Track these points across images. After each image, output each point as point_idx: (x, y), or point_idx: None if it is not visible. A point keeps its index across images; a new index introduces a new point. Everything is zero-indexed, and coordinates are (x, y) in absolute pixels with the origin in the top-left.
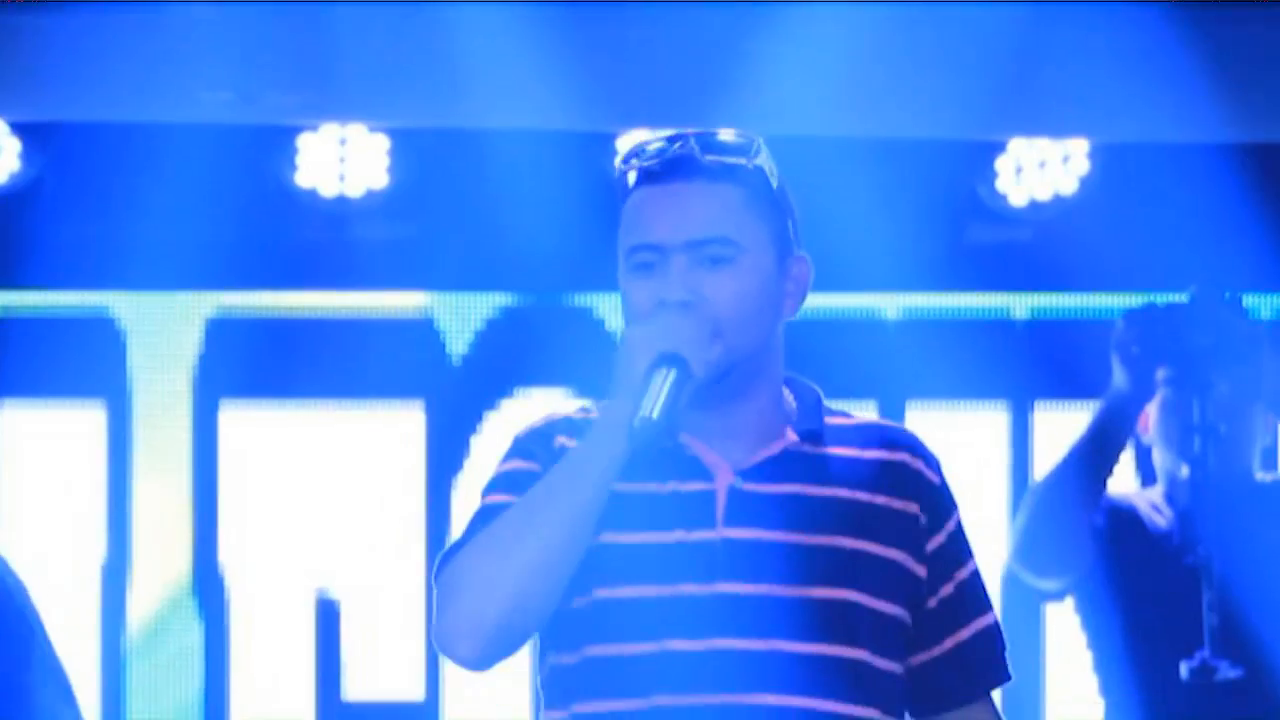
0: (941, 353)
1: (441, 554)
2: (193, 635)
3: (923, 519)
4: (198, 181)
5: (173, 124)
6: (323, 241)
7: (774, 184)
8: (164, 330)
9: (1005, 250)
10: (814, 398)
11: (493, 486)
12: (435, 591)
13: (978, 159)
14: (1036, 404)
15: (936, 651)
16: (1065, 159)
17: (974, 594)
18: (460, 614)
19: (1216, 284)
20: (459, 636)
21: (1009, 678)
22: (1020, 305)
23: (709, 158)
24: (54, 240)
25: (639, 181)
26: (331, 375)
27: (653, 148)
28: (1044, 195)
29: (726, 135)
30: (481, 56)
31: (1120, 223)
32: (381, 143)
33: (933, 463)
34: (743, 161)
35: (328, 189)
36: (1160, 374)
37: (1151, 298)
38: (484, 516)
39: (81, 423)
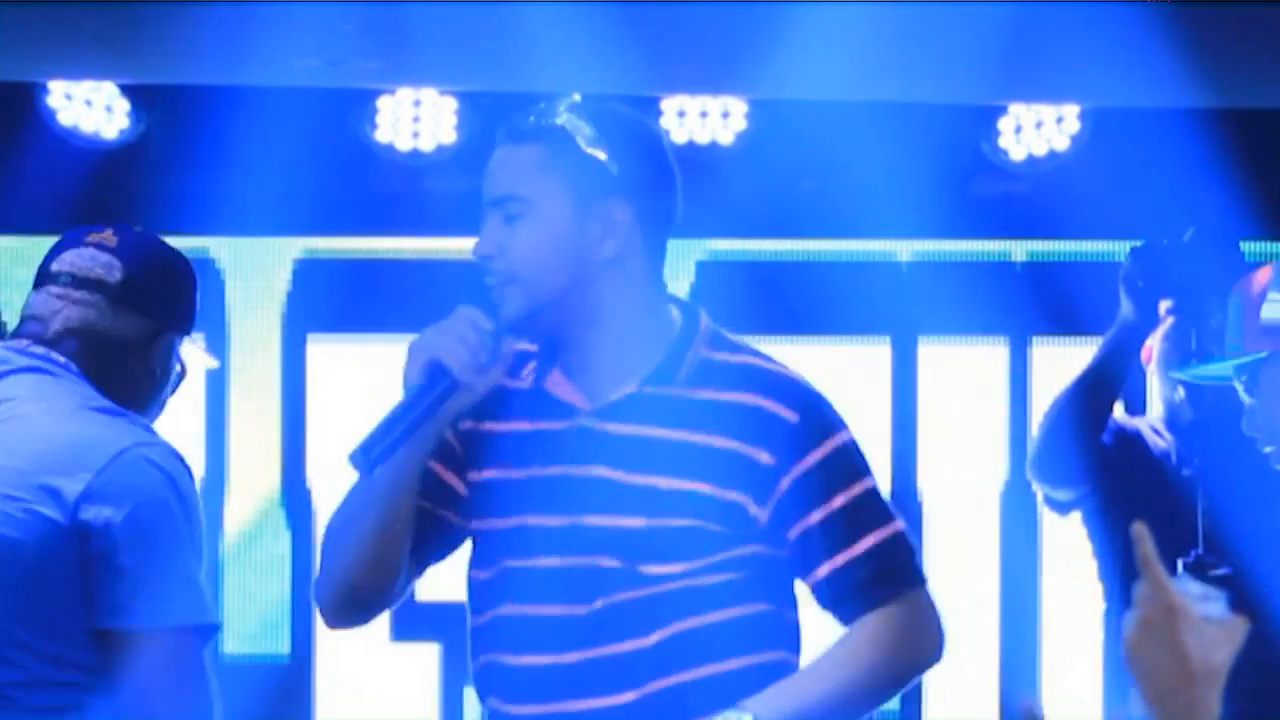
0: (949, 293)
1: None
2: (281, 543)
3: (770, 462)
4: (287, 138)
5: (265, 87)
6: (398, 192)
7: (580, 140)
8: (257, 271)
9: (1006, 201)
10: (688, 335)
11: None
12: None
13: (982, 120)
14: (1034, 339)
15: (830, 567)
16: (1059, 120)
17: (858, 515)
18: (318, 592)
19: (1212, 227)
20: (320, 608)
21: (917, 582)
22: (1019, 250)
23: (516, 124)
24: (159, 190)
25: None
26: (406, 311)
27: None
28: (1040, 152)
29: (545, 101)
30: (540, 27)
31: (1107, 177)
32: (451, 104)
33: (792, 401)
34: (543, 123)
35: (403, 145)
36: (1163, 305)
37: (1143, 241)
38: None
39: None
